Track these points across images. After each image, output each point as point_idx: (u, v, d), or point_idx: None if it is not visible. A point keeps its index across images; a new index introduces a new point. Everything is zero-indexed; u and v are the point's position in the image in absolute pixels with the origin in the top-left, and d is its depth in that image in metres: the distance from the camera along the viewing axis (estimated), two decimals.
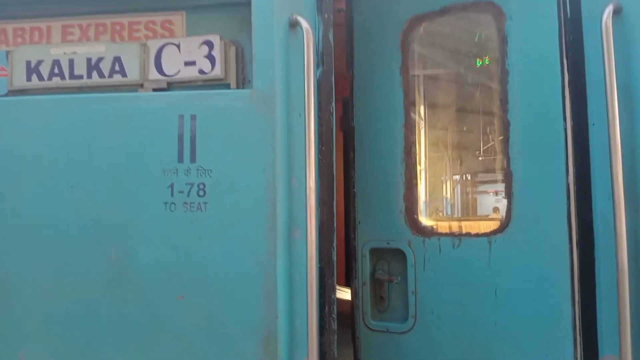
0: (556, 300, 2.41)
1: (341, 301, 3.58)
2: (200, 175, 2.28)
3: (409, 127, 2.74)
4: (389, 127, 2.78)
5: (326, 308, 2.37)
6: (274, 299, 2.23)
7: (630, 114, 2.26)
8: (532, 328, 2.44)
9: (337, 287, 4.16)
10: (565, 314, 2.39)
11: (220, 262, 2.25)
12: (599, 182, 2.38)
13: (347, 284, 4.02)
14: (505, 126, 2.56)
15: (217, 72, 2.42)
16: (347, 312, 3.12)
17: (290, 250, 2.28)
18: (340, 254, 3.14)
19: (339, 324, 3.64)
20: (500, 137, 2.68)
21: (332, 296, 2.40)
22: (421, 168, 2.96)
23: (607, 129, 2.22)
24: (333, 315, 2.40)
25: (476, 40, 3.30)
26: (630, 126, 2.26)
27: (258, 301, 2.24)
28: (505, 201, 2.63)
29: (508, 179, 2.54)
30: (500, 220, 2.68)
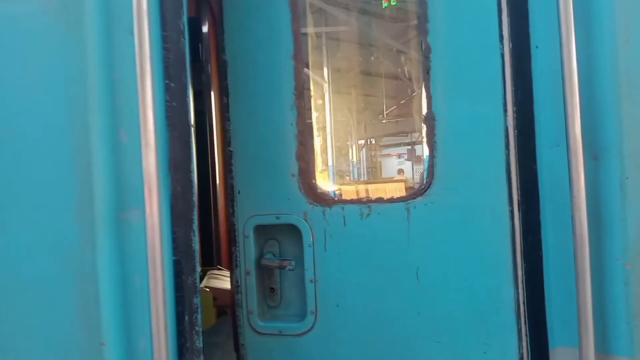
0: (494, 281, 1.85)
1: (227, 292, 2.86)
2: None
3: (300, 59, 2.01)
4: (273, 60, 2.03)
5: (186, 319, 1.64)
6: (95, 316, 1.45)
7: (587, 30, 1.70)
8: (465, 317, 1.88)
9: (222, 272, 3.43)
10: (506, 297, 1.84)
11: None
12: (544, 123, 1.83)
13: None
14: (425, 53, 1.91)
15: None
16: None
17: (122, 241, 1.51)
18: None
19: (222, 326, 2.91)
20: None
21: (195, 301, 1.67)
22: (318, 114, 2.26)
23: (560, 52, 1.64)
24: (197, 328, 1.67)
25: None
26: (586, 48, 1.70)
27: (69, 321, 1.45)
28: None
29: (429, 125, 1.91)
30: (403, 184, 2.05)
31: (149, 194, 1.46)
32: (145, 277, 1.47)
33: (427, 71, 1.91)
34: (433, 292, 1.90)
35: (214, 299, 2.85)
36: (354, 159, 21.08)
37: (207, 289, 2.90)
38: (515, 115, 1.85)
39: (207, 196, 4.13)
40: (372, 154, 26.10)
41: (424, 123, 1.92)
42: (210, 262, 4.07)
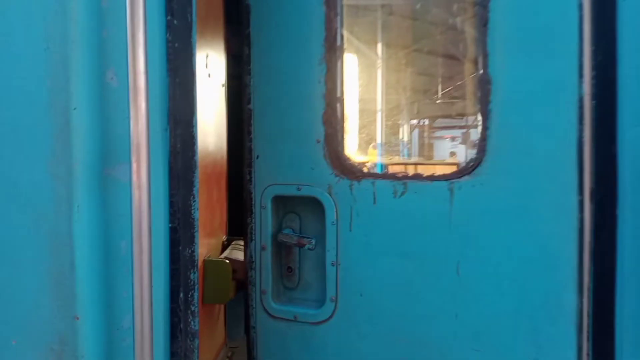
0: (553, 284, 1.52)
1: (240, 264, 2.64)
2: None
3: (333, 5, 1.71)
4: (302, 4, 1.74)
5: (181, 296, 1.42)
6: (69, 285, 1.24)
7: None
8: (513, 325, 1.56)
9: (238, 242, 3.21)
10: (566, 305, 1.51)
11: None
12: (629, 95, 1.46)
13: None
14: (483, 0, 1.56)
15: None
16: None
17: (106, 200, 1.30)
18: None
19: (234, 303, 2.69)
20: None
21: (192, 277, 1.45)
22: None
23: None
24: (193, 307, 1.45)
25: None
26: None
27: (38, 289, 1.26)
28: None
29: (484, 89, 1.58)
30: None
31: (137, 148, 1.22)
32: (129, 245, 1.26)
33: (484, 23, 1.56)
34: (475, 291, 1.60)
35: (234, 271, 2.61)
36: (405, 139, 20.51)
37: (227, 261, 2.67)
38: (593, 81, 1.49)
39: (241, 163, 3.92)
40: (425, 134, 25.38)
41: (478, 86, 1.58)
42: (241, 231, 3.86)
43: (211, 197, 2.33)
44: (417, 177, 1.66)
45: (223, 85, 2.68)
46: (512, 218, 1.55)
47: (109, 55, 1.26)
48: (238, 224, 4.02)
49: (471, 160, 1.63)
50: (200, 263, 2.12)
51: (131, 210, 1.24)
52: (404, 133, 20.28)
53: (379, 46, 13.83)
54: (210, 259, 2.25)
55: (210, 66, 2.19)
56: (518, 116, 1.55)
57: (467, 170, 1.60)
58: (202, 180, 2.11)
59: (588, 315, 1.49)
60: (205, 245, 2.24)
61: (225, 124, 2.68)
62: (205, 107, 2.08)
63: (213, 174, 2.36)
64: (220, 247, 2.77)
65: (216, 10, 2.35)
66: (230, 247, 3.08)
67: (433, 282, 1.64)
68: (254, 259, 1.91)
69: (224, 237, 3.09)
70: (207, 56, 2.13)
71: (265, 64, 1.80)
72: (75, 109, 1.21)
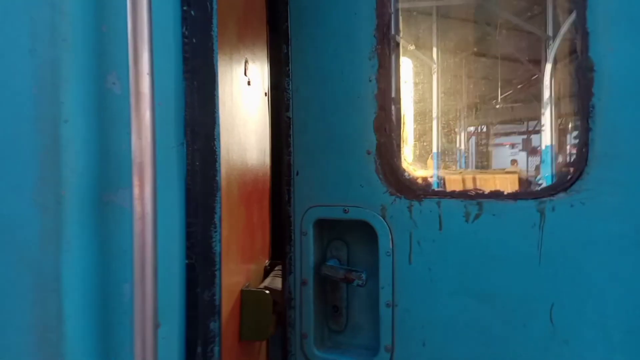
0: None
1: (281, 295, 2.35)
2: None
3: None
4: None
5: (199, 350, 1.14)
6: (54, 345, 0.99)
7: None
8: None
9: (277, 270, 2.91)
10: None
11: None
12: None
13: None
14: None
15: None
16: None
17: (105, 234, 1.04)
18: None
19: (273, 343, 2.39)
20: None
21: (212, 326, 1.16)
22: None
23: None
24: None
25: None
26: None
27: (19, 346, 1.00)
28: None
29: (584, 78, 1.21)
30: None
31: (140, 168, 0.96)
32: (130, 287, 1.00)
33: None
34: (576, 343, 1.22)
35: (274, 303, 2.29)
36: (462, 147, 19.74)
37: (267, 291, 2.36)
38: None
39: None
40: (483, 142, 24.49)
41: (576, 76, 1.22)
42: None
43: (251, 217, 2.06)
44: (496, 195, 1.30)
45: (266, 94, 2.43)
46: (626, 247, 1.17)
47: (111, 55, 1.01)
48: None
49: (567, 172, 1.26)
50: (237, 293, 1.86)
51: (132, 246, 0.98)
52: (460, 141, 19.55)
53: (435, 51, 13.37)
54: (248, 289, 1.97)
55: (250, 73, 1.94)
56: (632, 112, 1.17)
57: (563, 185, 1.23)
58: (241, 199, 1.84)
59: None
60: (244, 273, 1.97)
61: (269, 137, 2.42)
62: (245, 117, 1.83)
63: (254, 191, 2.09)
64: (261, 273, 2.49)
65: (257, 12, 2.10)
66: (272, 274, 2.78)
67: (519, 331, 1.28)
68: (293, 295, 1.61)
69: (267, 262, 2.80)
70: (245, 62, 1.88)
71: (305, 62, 1.51)
72: (66, 121, 0.96)
